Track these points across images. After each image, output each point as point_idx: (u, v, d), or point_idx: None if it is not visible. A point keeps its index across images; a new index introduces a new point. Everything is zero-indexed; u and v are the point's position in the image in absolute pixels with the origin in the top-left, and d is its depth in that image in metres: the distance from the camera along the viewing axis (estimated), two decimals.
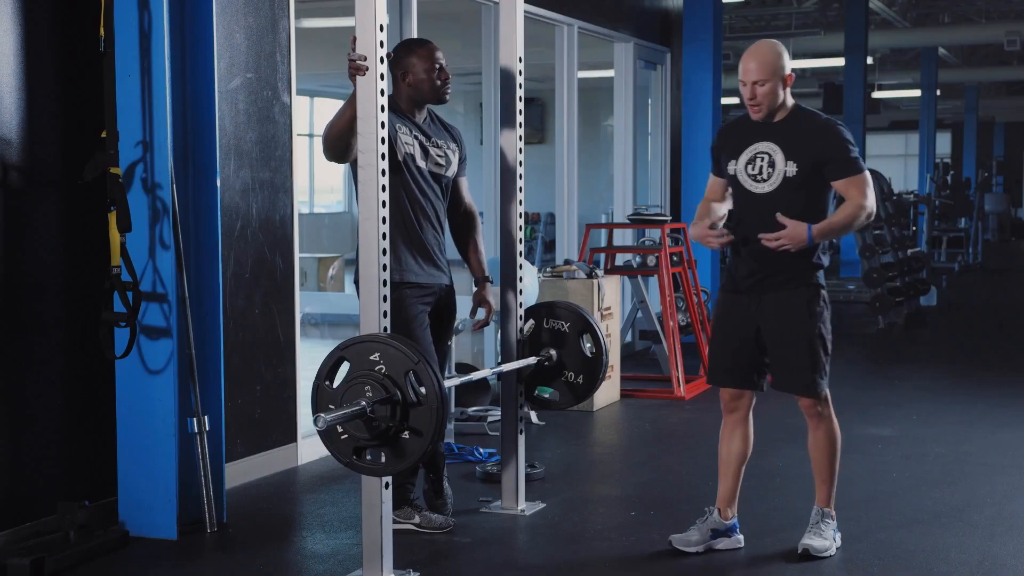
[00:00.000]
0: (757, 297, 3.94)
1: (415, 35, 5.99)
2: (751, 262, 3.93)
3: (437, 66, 4.17)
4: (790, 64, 3.89)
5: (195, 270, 4.32)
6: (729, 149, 3.98)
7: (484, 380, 6.01)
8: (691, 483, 5.06)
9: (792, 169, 3.83)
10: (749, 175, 3.90)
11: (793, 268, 3.88)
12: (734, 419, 4.07)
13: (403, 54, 4.20)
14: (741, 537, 4.09)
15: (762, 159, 3.88)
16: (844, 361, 8.95)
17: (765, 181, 3.87)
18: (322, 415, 3.32)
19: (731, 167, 3.95)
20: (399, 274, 4.04)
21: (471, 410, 6.16)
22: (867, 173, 3.87)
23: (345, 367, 3.51)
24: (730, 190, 4.03)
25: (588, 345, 4.48)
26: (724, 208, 4.06)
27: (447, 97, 4.21)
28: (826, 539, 3.97)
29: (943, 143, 27.94)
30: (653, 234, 7.92)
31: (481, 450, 5.51)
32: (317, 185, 18.09)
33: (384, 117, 3.62)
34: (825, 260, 3.96)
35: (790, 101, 3.91)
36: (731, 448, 4.08)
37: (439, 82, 4.18)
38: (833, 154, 3.83)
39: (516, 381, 4.49)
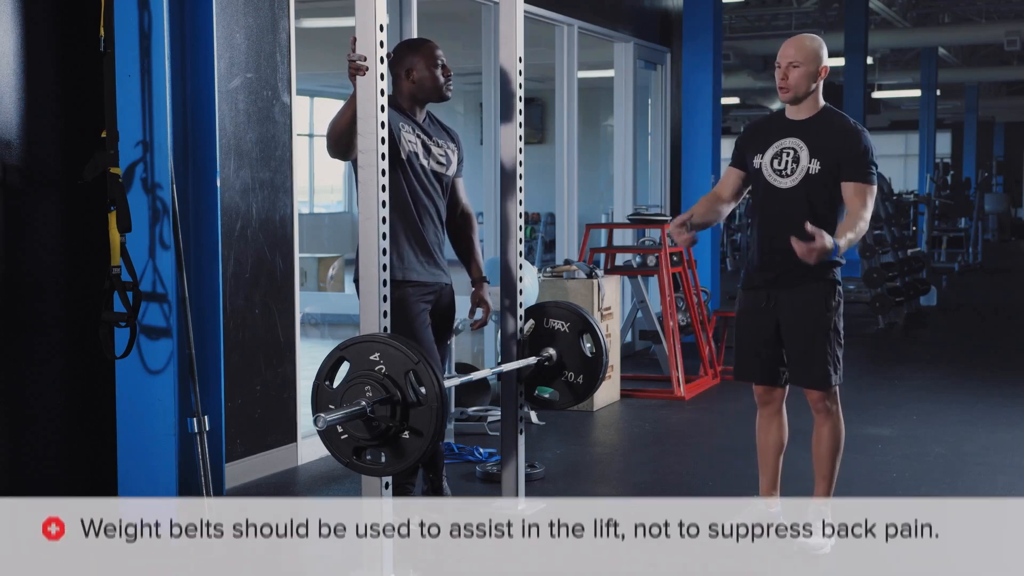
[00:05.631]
0: (775, 292, 4.04)
1: (415, 35, 5.99)
2: (770, 257, 4.01)
3: (440, 63, 4.21)
4: (827, 60, 3.98)
5: (195, 270, 4.32)
6: (756, 144, 4.07)
7: (484, 380, 6.00)
8: (691, 483, 5.06)
9: (816, 167, 3.92)
10: (775, 170, 3.99)
11: (811, 264, 3.92)
12: (768, 411, 4.18)
13: (405, 52, 4.23)
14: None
15: (787, 154, 3.98)
16: (844, 361, 8.93)
17: (788, 176, 3.97)
18: (322, 415, 3.32)
19: (757, 161, 4.04)
20: (401, 271, 4.04)
21: (471, 410, 6.16)
22: (875, 187, 3.94)
23: (345, 367, 3.51)
24: (741, 187, 4.13)
25: (588, 345, 4.48)
26: (726, 210, 4.16)
27: (449, 94, 4.24)
28: (822, 535, 3.96)
29: (943, 143, 27.93)
30: (653, 234, 7.92)
31: (481, 450, 5.51)
32: (317, 185, 18.09)
33: (384, 117, 3.62)
34: (843, 257, 4.01)
35: (821, 101, 4.00)
36: (768, 439, 4.20)
37: (443, 78, 4.21)
38: (852, 157, 3.91)
39: (516, 381, 4.49)
